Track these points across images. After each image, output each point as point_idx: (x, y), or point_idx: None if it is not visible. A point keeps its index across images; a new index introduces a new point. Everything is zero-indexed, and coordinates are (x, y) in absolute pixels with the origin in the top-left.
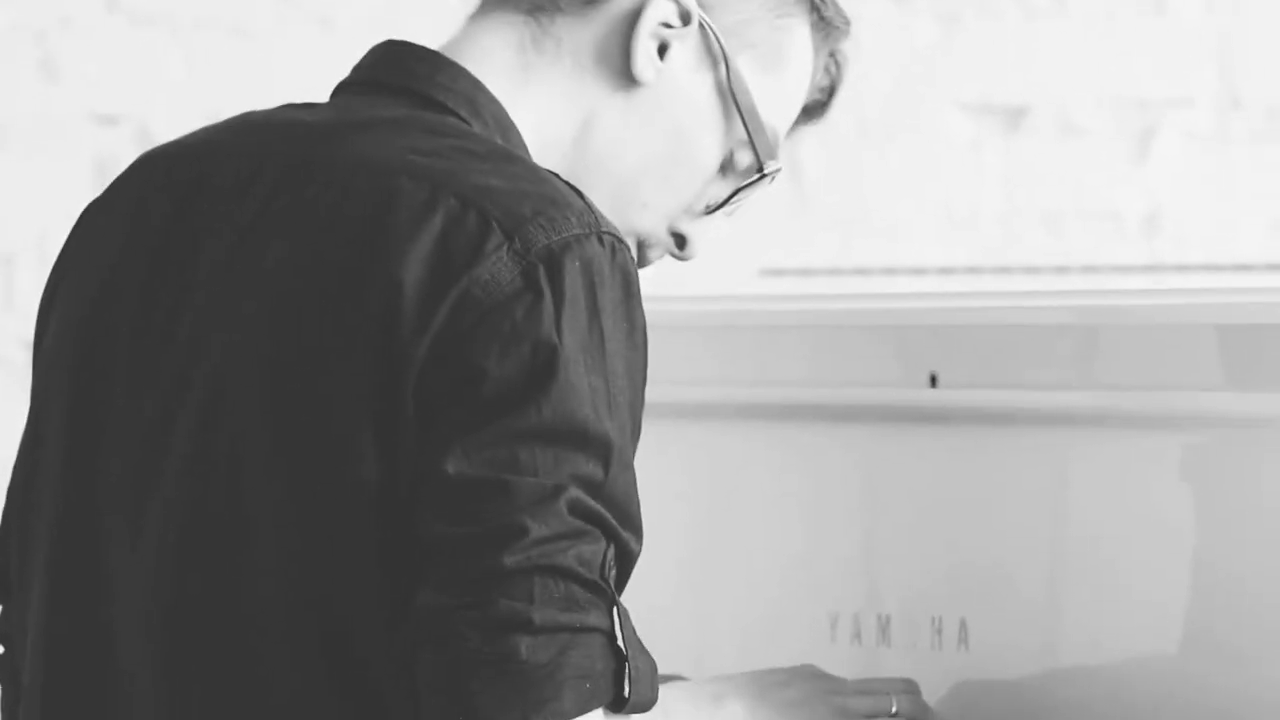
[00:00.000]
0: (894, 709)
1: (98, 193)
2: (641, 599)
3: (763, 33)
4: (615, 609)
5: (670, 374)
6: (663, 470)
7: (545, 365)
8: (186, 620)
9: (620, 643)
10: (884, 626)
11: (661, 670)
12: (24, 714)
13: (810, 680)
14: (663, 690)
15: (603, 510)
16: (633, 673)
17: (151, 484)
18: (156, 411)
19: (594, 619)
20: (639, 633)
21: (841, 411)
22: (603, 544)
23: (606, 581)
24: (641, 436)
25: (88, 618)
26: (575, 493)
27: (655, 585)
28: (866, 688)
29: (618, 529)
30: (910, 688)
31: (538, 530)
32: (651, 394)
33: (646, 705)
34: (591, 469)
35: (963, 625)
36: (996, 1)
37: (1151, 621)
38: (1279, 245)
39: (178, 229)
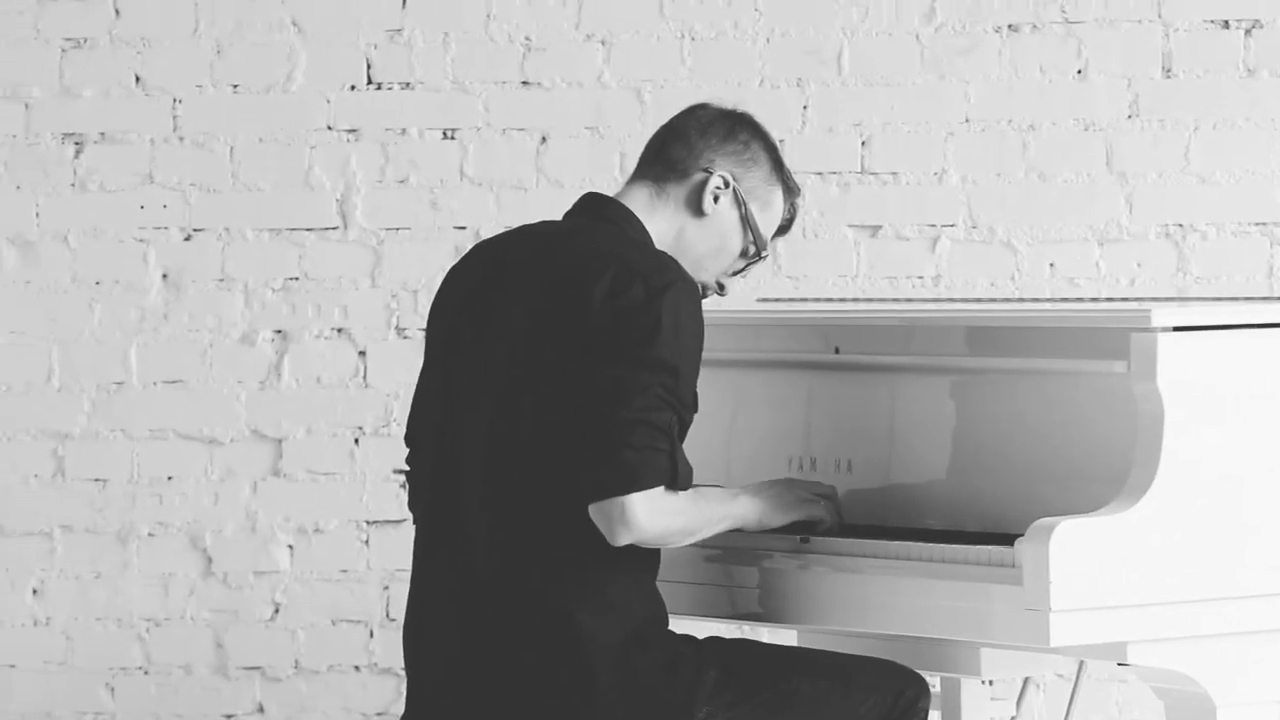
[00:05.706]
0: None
1: (454, 262)
2: (692, 452)
3: (762, 192)
4: (674, 444)
5: (715, 345)
6: (704, 392)
7: (653, 335)
8: (496, 469)
9: (676, 459)
10: (814, 462)
11: (701, 483)
12: (419, 514)
13: (782, 480)
14: (703, 489)
15: (673, 399)
16: (681, 471)
17: (481, 399)
18: (479, 368)
19: (663, 445)
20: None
21: (794, 364)
22: (671, 414)
23: (672, 431)
24: (700, 376)
25: (449, 462)
26: (660, 390)
27: (699, 444)
28: (811, 484)
29: (680, 408)
30: (830, 489)
31: (640, 403)
32: (706, 354)
33: (686, 486)
34: (670, 380)
35: (850, 463)
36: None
37: (937, 458)
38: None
39: (488, 282)
